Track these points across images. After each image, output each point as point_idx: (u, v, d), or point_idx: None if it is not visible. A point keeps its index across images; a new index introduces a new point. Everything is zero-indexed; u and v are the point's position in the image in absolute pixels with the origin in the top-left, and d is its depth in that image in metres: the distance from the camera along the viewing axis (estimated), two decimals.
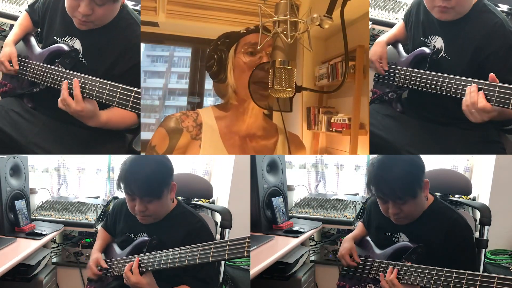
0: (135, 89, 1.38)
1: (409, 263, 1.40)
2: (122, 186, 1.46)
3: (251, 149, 1.40)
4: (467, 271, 1.23)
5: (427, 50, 1.65)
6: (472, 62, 1.52)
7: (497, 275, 1.17)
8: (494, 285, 1.17)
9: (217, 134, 1.37)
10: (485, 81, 1.34)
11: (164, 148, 1.33)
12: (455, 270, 1.26)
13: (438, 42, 1.63)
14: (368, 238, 1.63)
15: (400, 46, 1.78)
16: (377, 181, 1.44)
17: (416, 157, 1.48)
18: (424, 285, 1.32)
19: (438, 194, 1.90)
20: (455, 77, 1.43)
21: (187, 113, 1.38)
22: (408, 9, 1.79)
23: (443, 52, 1.60)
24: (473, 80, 1.37)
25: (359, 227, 1.70)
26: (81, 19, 1.52)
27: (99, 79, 1.43)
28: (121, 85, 1.39)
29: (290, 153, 1.45)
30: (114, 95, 1.39)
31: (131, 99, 1.37)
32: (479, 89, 1.33)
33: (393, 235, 1.54)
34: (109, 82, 1.41)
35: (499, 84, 1.30)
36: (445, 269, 1.28)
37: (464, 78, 1.40)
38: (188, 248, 1.36)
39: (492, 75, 1.33)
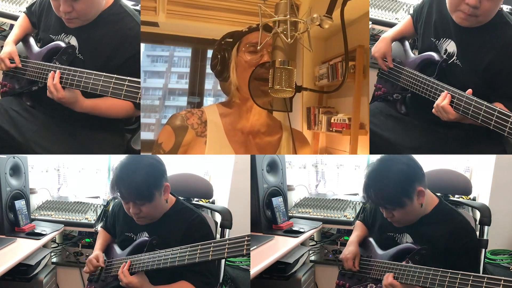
0: (128, 78, 1.40)
1: (410, 263, 1.40)
2: (115, 190, 1.48)
3: (255, 145, 1.42)
4: (472, 273, 1.23)
5: (436, 56, 1.59)
6: (485, 74, 1.49)
7: (503, 278, 1.16)
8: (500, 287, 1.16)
9: (222, 131, 1.39)
10: (458, 91, 1.44)
11: (170, 145, 1.36)
12: (461, 272, 1.25)
13: (450, 46, 1.57)
14: (370, 238, 1.62)
15: (407, 44, 1.74)
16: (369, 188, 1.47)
17: (410, 163, 1.47)
18: (426, 285, 1.32)
19: (438, 194, 1.90)
20: (473, 98, 1.40)
21: (192, 111, 1.41)
22: (419, 5, 1.73)
23: (455, 57, 1.55)
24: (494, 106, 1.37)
25: (359, 227, 1.69)
26: (65, 17, 1.55)
27: (94, 71, 1.46)
28: (115, 76, 1.43)
29: (294, 149, 1.46)
30: (108, 85, 1.43)
31: (124, 88, 1.40)
32: (452, 97, 1.45)
33: (396, 235, 1.53)
34: (104, 74, 1.44)
35: (466, 95, 1.41)
36: (450, 270, 1.27)
37: (475, 98, 1.39)
38: (187, 247, 1.36)
39: (469, 90, 1.42)
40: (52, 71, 1.51)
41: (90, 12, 1.57)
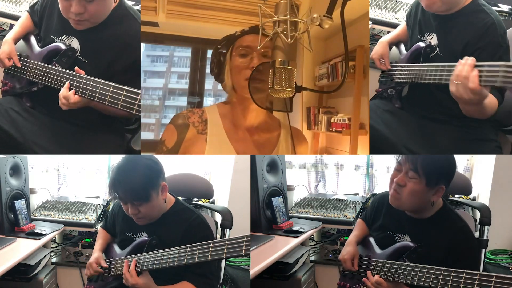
0: (126, 87, 1.40)
1: (407, 262, 1.40)
2: (112, 193, 1.48)
3: (254, 142, 1.47)
4: (478, 272, 1.21)
5: (422, 44, 1.66)
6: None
7: (496, 274, 1.16)
8: (492, 284, 1.16)
9: (222, 129, 1.45)
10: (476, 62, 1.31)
11: (173, 142, 1.42)
12: (454, 270, 1.24)
13: (433, 39, 1.64)
14: (370, 238, 1.62)
15: (402, 46, 1.80)
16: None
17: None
18: (428, 284, 1.32)
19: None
20: (447, 64, 1.43)
21: (193, 110, 1.48)
22: (408, 11, 1.81)
23: (437, 49, 1.61)
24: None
25: (359, 225, 1.68)
26: (75, 18, 1.53)
27: (92, 78, 1.45)
28: (113, 84, 1.43)
29: (293, 146, 1.50)
30: (106, 93, 1.43)
31: (122, 97, 1.40)
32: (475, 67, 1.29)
33: (396, 235, 1.53)
34: (101, 81, 1.44)
35: (488, 63, 1.27)
36: (453, 269, 1.26)
37: (454, 63, 1.37)
38: (187, 247, 1.36)
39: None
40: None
41: (101, 14, 1.56)
